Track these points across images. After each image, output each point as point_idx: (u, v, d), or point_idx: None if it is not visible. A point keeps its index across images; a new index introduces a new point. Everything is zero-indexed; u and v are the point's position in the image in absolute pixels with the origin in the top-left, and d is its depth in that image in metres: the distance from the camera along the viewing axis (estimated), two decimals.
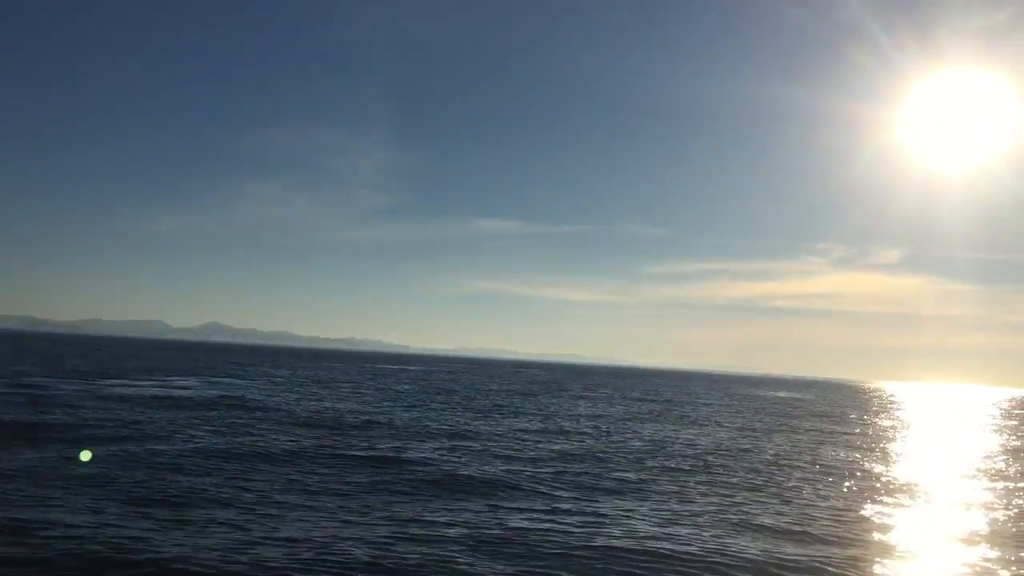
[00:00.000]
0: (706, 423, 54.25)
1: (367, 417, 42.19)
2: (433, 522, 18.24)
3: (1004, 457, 41.98)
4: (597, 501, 22.01)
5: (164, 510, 17.82)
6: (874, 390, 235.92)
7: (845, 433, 52.40)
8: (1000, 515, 23.47)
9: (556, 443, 35.72)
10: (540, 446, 34.18)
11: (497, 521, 18.69)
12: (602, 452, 33.13)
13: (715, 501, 23.15)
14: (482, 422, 44.26)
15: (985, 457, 41.36)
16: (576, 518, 19.48)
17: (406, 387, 79.15)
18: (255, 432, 32.95)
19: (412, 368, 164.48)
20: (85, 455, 20.97)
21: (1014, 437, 58.78)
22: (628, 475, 27.17)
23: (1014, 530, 21.40)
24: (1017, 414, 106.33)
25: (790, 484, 27.31)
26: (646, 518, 20.04)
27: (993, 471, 35.13)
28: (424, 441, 33.52)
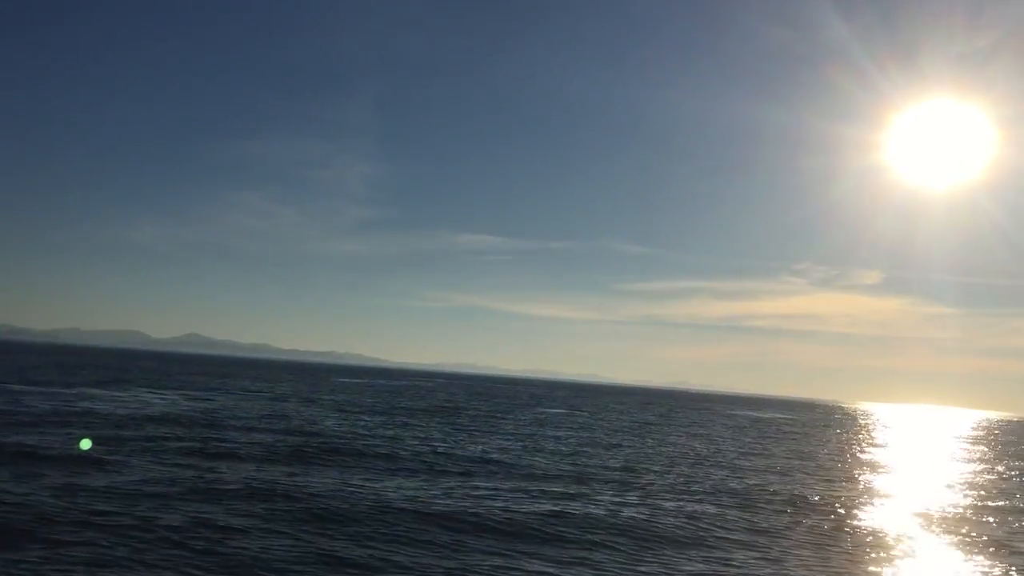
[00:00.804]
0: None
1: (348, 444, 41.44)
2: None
3: (976, 477, 42.07)
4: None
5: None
6: (854, 411, 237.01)
7: (826, 451, 52.36)
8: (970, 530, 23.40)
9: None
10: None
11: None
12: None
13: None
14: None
15: (954, 478, 41.41)
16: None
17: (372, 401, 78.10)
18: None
19: (383, 382, 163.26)
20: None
21: (986, 458, 59.04)
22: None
23: (979, 541, 21.31)
24: (991, 437, 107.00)
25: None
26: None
27: (965, 491, 35.12)
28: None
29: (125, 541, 15.90)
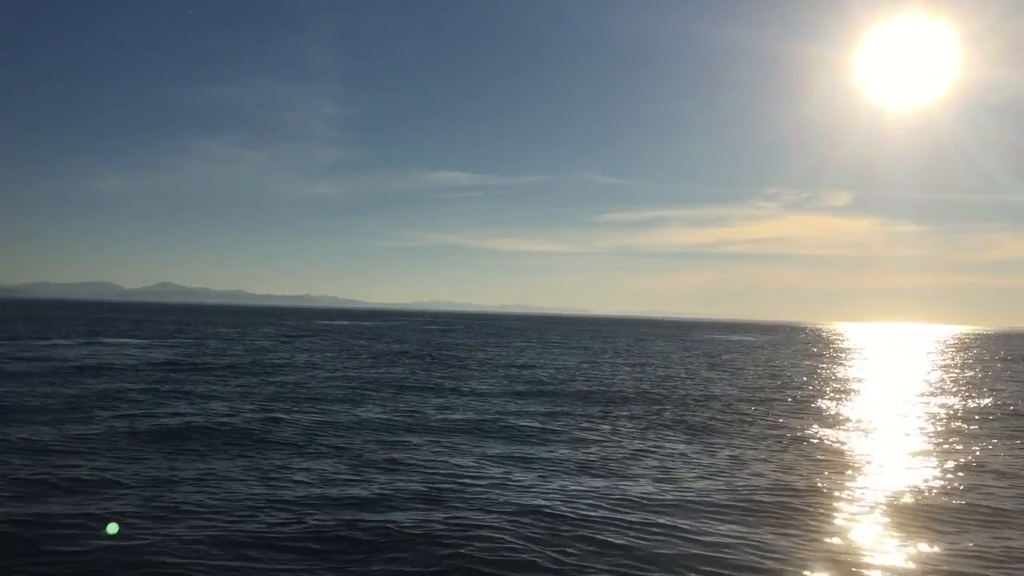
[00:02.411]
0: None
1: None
2: None
3: (941, 390, 41.01)
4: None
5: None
6: (827, 331, 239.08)
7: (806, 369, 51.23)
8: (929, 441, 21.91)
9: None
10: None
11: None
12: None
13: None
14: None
15: (922, 391, 40.31)
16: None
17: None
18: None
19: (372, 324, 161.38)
20: None
21: (950, 373, 58.33)
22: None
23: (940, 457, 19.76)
24: (959, 351, 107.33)
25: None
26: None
27: (930, 405, 33.91)
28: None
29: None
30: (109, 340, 66.43)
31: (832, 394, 39.33)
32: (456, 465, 18.58)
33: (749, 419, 28.69)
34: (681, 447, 22.17)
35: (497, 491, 15.96)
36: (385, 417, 25.98)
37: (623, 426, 25.82)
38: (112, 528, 12.78)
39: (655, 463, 19.66)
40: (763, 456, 21.18)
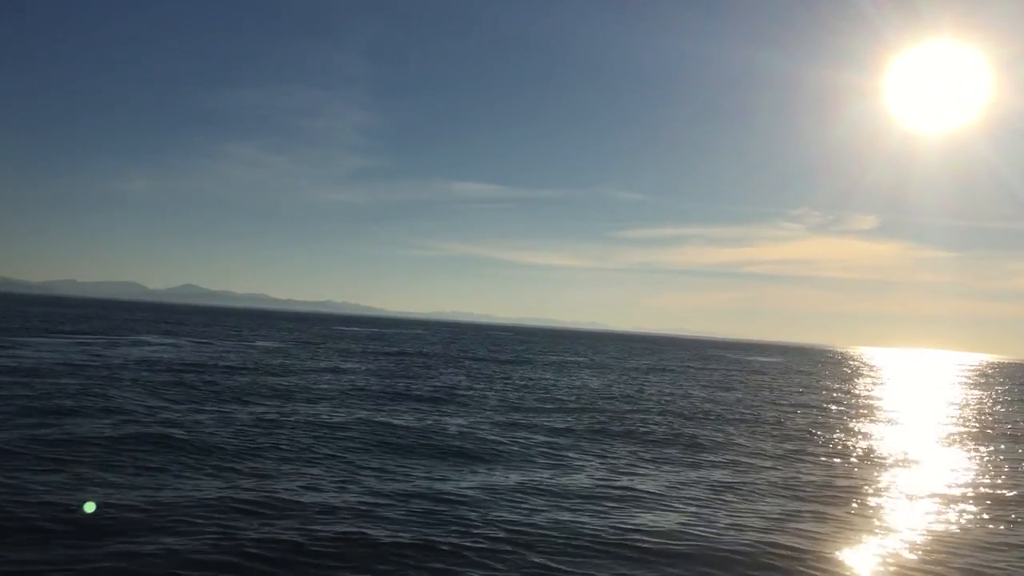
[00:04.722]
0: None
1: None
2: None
3: (968, 418, 41.19)
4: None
5: None
6: (849, 355, 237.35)
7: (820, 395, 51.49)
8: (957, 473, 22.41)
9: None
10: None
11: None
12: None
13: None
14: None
15: (946, 418, 40.53)
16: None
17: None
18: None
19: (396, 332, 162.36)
20: None
21: (978, 401, 58.25)
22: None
23: (966, 491, 20.25)
24: (984, 379, 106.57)
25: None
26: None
27: (955, 432, 34.21)
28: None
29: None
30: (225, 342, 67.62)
31: (872, 424, 39.51)
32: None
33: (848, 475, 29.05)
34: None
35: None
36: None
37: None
38: (89, 507, 13.41)
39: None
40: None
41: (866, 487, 20.07)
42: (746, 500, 17.60)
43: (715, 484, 19.12)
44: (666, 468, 20.99)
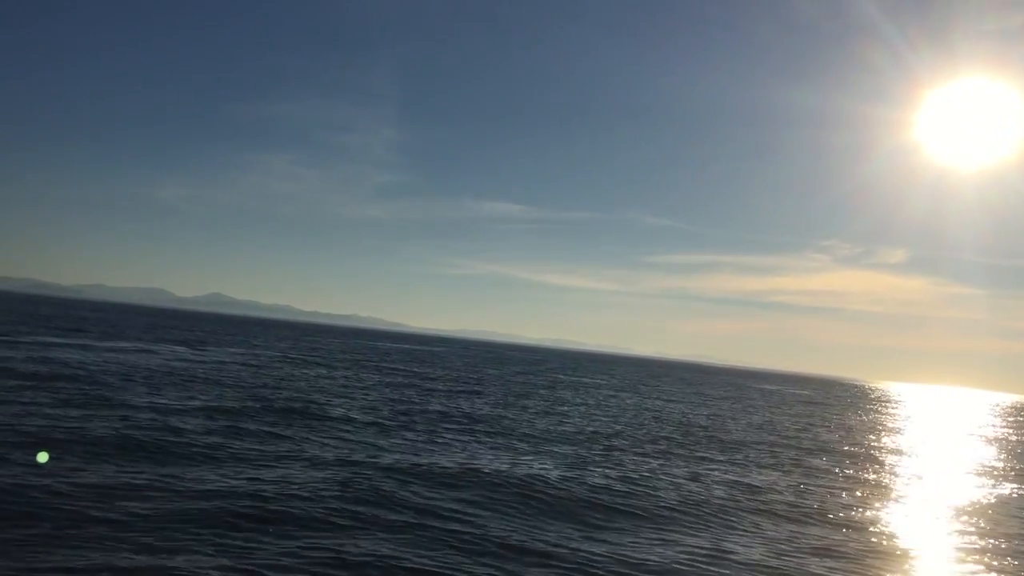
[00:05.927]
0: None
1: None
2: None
3: (994, 458, 40.59)
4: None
5: None
6: (875, 389, 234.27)
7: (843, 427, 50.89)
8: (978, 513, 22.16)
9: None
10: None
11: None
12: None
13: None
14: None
15: (974, 459, 39.96)
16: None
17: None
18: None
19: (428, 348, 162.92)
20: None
21: (1006, 441, 57.36)
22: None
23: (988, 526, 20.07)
24: (1014, 419, 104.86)
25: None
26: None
27: (982, 471, 33.77)
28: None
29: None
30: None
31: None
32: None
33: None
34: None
35: None
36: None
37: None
38: (43, 457, 13.53)
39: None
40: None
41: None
42: None
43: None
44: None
